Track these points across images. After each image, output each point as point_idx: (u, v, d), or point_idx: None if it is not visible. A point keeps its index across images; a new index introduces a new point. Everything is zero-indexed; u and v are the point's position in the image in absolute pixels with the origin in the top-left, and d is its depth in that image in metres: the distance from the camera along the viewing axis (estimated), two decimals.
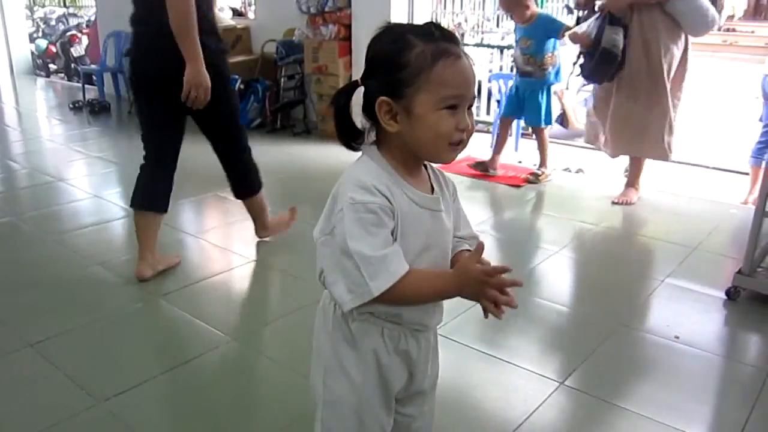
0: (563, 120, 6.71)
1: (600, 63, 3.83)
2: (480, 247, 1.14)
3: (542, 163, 4.70)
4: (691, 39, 3.90)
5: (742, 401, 2.19)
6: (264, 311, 2.88)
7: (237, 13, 7.73)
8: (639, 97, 3.90)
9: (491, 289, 1.09)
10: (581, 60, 4.02)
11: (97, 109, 7.03)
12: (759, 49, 12.33)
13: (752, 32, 15.47)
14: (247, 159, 3.27)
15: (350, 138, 1.18)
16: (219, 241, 3.60)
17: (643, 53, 3.80)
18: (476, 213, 4.01)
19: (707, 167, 5.13)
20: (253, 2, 7.29)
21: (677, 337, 2.53)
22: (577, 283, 3.18)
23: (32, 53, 10.53)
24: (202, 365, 2.35)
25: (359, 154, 1.19)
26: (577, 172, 4.94)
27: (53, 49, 10.51)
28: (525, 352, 2.45)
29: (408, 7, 5.61)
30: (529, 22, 4.38)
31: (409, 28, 1.12)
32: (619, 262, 3.29)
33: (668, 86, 3.86)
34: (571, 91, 6.65)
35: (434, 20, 6.35)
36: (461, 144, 1.13)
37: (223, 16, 7.27)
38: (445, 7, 6.89)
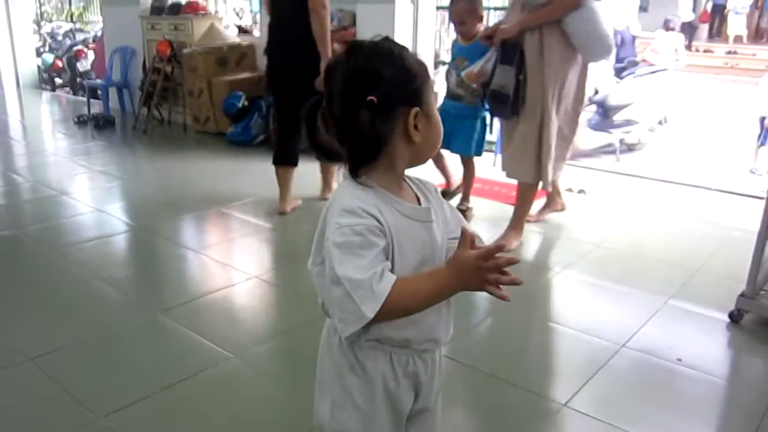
0: None
1: (493, 103, 3.57)
2: (467, 235, 1.10)
3: (465, 197, 4.24)
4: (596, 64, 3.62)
5: (744, 425, 2.17)
6: (264, 328, 2.87)
7: (242, 31, 7.79)
8: (525, 117, 3.47)
9: (491, 272, 1.06)
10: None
11: (101, 124, 7.06)
12: (760, 72, 12.38)
13: (754, 55, 15.55)
14: None
15: (329, 156, 1.19)
16: (220, 257, 3.60)
17: (537, 74, 3.37)
18: (477, 230, 4.00)
19: (709, 189, 5.13)
20: (258, 20, 7.34)
21: (680, 360, 2.52)
22: (578, 304, 3.16)
23: (38, 67, 10.61)
24: (202, 381, 2.34)
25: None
26: (579, 192, 4.94)
27: (59, 63, 10.59)
28: (527, 373, 2.44)
29: (412, 26, 5.65)
30: (471, 41, 3.92)
31: (389, 43, 1.15)
32: (621, 283, 3.28)
33: (552, 111, 3.40)
34: None
35: (438, 38, 6.41)
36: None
37: (229, 34, 7.33)
38: (449, 26, 6.92)
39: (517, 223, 3.71)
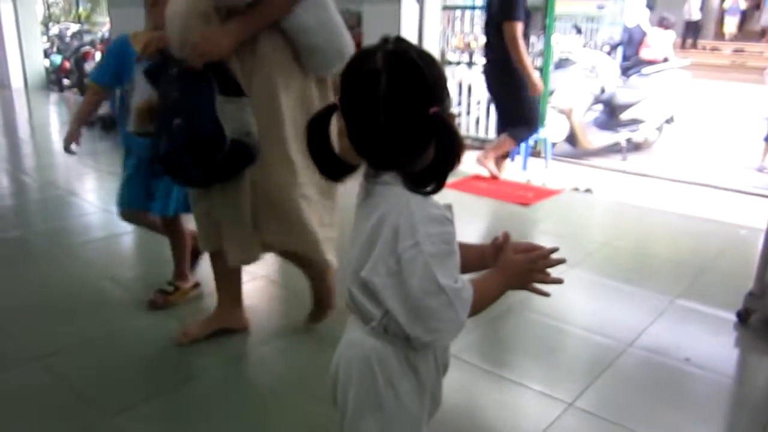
0: (572, 139, 6.72)
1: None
2: (506, 237, 1.20)
3: (180, 274, 3.02)
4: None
5: (752, 425, 2.16)
6: (271, 328, 2.86)
7: None
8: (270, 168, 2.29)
9: (538, 273, 1.16)
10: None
11: (108, 124, 7.08)
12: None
13: (761, 53, 15.49)
14: None
15: (336, 172, 1.15)
16: None
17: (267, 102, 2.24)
18: (485, 230, 4.01)
19: (716, 187, 5.12)
20: None
21: (687, 359, 2.51)
22: (586, 303, 3.16)
23: (46, 69, 10.67)
24: (208, 381, 2.35)
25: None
26: (585, 191, 4.94)
27: (67, 64, 10.64)
28: (534, 373, 2.44)
29: (418, 26, 5.66)
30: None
31: (417, 48, 1.12)
32: (628, 282, 3.27)
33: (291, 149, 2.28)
34: (580, 110, 6.68)
35: (445, 40, 6.41)
36: None
37: None
38: (454, 27, 6.92)
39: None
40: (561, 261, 1.15)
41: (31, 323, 2.77)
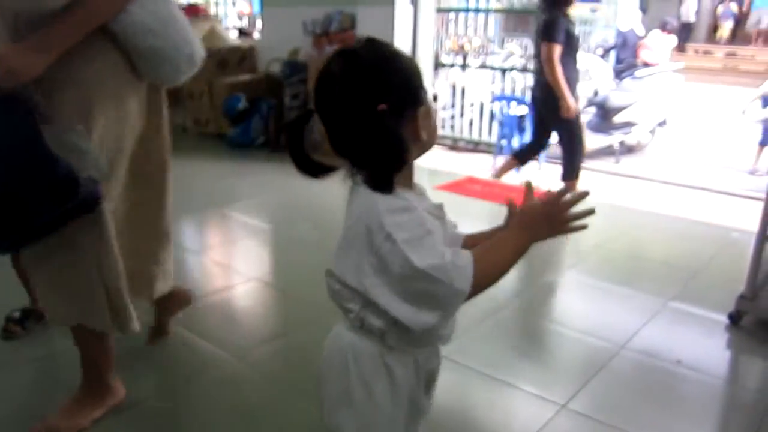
0: None
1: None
2: (529, 187, 1.17)
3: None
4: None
5: (744, 426, 2.17)
6: (264, 329, 2.86)
7: (243, 33, 7.81)
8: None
9: (562, 215, 1.12)
10: None
11: None
12: (758, 74, 12.41)
13: (752, 57, 15.58)
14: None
15: (314, 171, 1.17)
16: (220, 259, 3.60)
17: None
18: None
19: (709, 190, 5.14)
20: (259, 23, 7.36)
21: (679, 361, 2.52)
22: (579, 305, 3.17)
23: None
24: (202, 384, 2.34)
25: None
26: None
27: None
28: (527, 374, 2.44)
29: (412, 28, 5.67)
30: None
31: (382, 46, 1.14)
32: (621, 285, 3.28)
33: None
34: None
35: (439, 42, 6.43)
36: None
37: (229, 36, 7.34)
38: (447, 30, 6.94)
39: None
40: (584, 194, 1.14)
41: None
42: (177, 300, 2.52)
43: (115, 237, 1.90)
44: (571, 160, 4.72)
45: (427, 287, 1.06)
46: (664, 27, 9.56)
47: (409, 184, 1.17)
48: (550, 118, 4.62)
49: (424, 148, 1.17)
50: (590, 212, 1.12)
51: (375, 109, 1.06)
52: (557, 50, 4.32)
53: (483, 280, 1.08)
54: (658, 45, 9.37)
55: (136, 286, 2.10)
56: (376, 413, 1.18)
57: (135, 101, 1.93)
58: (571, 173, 4.75)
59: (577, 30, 4.49)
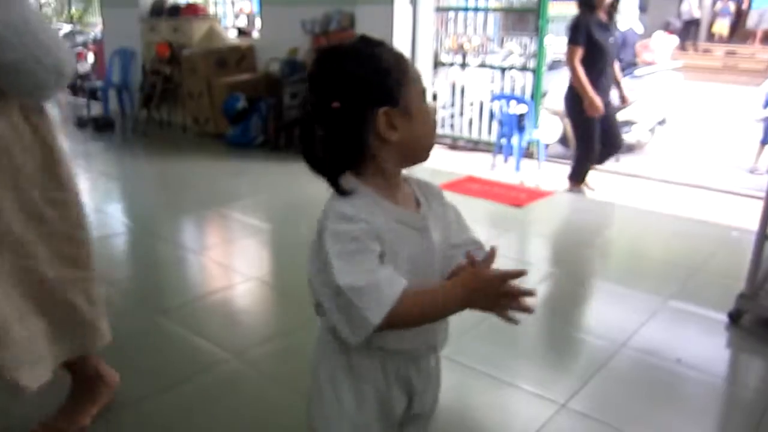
0: (565, 140, 6.74)
1: None
2: (492, 252, 1.06)
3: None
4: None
5: (743, 426, 2.17)
6: (264, 329, 2.86)
7: (242, 32, 7.80)
8: None
9: (505, 297, 1.02)
10: None
11: (101, 125, 7.06)
12: (758, 73, 12.41)
13: (752, 55, 15.57)
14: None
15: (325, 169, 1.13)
16: (220, 258, 3.60)
17: None
18: (478, 232, 4.00)
19: (708, 189, 5.14)
20: (258, 22, 7.35)
21: (679, 360, 2.52)
22: (578, 304, 3.17)
23: None
24: (202, 383, 2.34)
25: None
26: (578, 192, 4.94)
27: None
28: (527, 374, 2.44)
29: (411, 28, 5.66)
30: None
31: (359, 43, 1.12)
32: (621, 283, 3.28)
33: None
34: None
35: (438, 41, 6.42)
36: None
37: (228, 35, 7.33)
38: (447, 29, 6.93)
39: None
40: (530, 293, 1.03)
41: None
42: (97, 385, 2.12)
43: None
44: (580, 162, 4.73)
45: (344, 304, 1.03)
46: (666, 27, 9.55)
47: (388, 192, 1.13)
48: (569, 117, 4.65)
49: (408, 151, 1.12)
50: (527, 311, 1.03)
51: (329, 106, 1.07)
52: (578, 52, 4.40)
53: (400, 319, 1.03)
54: (660, 46, 9.36)
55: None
56: (341, 411, 1.19)
57: (2, 121, 1.68)
58: (576, 175, 4.76)
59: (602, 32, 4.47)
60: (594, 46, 4.40)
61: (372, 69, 1.07)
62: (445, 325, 1.25)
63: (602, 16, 4.48)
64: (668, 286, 3.19)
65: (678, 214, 4.39)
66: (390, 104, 1.07)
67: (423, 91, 1.14)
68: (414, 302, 1.04)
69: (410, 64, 1.13)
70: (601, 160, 4.83)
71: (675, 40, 9.81)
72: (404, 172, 1.19)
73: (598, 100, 4.40)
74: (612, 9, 4.53)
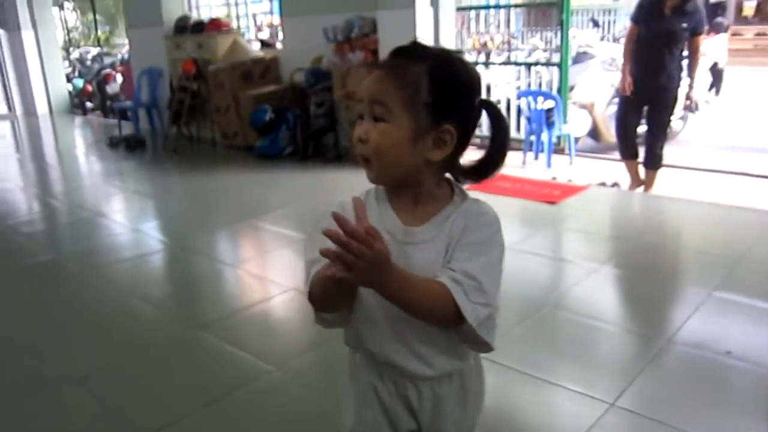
0: (595, 133, 6.65)
1: None
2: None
3: None
4: None
5: None
6: (303, 339, 2.86)
7: (265, 44, 7.86)
8: None
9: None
10: None
11: (133, 144, 7.18)
12: None
13: None
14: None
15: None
16: (256, 270, 3.62)
17: None
18: (512, 231, 3.96)
19: (746, 174, 5.02)
20: (280, 33, 7.40)
21: (729, 352, 2.45)
22: (620, 300, 3.11)
23: (69, 93, 10.85)
24: (244, 395, 2.35)
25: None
26: (612, 185, 4.87)
27: (89, 87, 10.82)
28: (571, 373, 2.40)
29: (433, 29, 5.64)
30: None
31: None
32: (663, 276, 3.21)
33: None
34: (601, 104, 6.61)
35: (459, 42, 6.40)
36: (362, 156, 1.08)
37: (252, 48, 7.40)
38: (469, 29, 6.90)
39: None
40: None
41: (66, 345, 2.79)
42: None
43: None
44: (651, 146, 4.72)
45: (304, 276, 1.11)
46: (713, 28, 9.21)
47: (394, 196, 1.11)
48: (671, 100, 4.69)
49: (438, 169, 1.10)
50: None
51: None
52: (631, 29, 4.64)
53: (312, 290, 1.09)
54: (710, 48, 9.10)
55: None
56: (351, 410, 1.22)
57: None
58: (652, 161, 4.70)
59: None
60: (646, 25, 4.53)
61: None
62: (412, 349, 1.11)
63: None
64: (711, 276, 3.11)
65: (717, 202, 4.29)
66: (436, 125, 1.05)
67: (363, 113, 1.09)
68: (317, 276, 1.05)
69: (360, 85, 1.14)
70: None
71: (724, 39, 9.54)
72: (470, 195, 1.15)
73: (626, 81, 4.57)
74: None
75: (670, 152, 5.06)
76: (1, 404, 2.36)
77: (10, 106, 10.56)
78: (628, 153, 4.84)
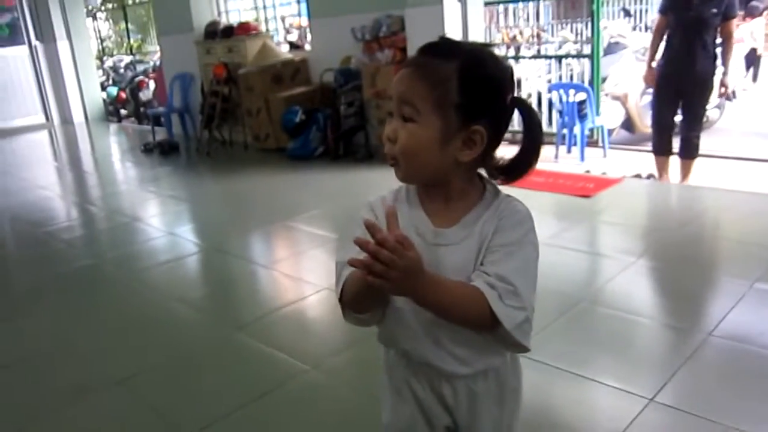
0: (629, 124, 6.55)
1: None
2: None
3: None
4: None
5: None
6: (339, 338, 2.88)
7: (294, 46, 7.91)
8: None
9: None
10: None
11: (167, 150, 7.29)
12: None
13: None
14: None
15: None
16: (290, 271, 3.65)
17: None
18: (547, 225, 3.93)
19: None
20: (309, 34, 7.45)
21: None
22: (659, 293, 3.06)
23: (104, 101, 11.08)
24: (282, 395, 2.37)
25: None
26: (648, 177, 4.79)
27: (123, 95, 11.02)
28: (609, 369, 2.37)
29: (462, 25, 5.61)
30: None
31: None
32: (702, 268, 3.15)
33: None
34: (635, 95, 6.51)
35: (488, 36, 6.35)
36: (389, 155, 1.06)
37: (281, 50, 7.45)
38: (498, 22, 6.85)
39: None
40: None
41: (108, 348, 2.85)
42: None
43: None
44: (687, 136, 4.70)
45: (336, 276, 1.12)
46: (749, 13, 9.03)
47: (429, 205, 1.10)
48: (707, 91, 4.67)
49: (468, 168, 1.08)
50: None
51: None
52: (659, 20, 4.64)
53: (346, 295, 1.09)
54: (746, 34, 8.89)
55: None
56: (387, 405, 1.23)
57: None
58: (688, 150, 4.67)
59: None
60: (674, 15, 4.52)
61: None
62: (442, 345, 1.11)
63: None
64: (753, 268, 3.04)
65: (755, 191, 4.19)
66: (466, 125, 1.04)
67: (393, 112, 1.08)
68: (351, 280, 1.06)
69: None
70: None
71: (761, 23, 9.30)
72: (502, 192, 1.13)
73: (648, 72, 4.59)
74: None
75: (707, 142, 4.96)
76: (47, 406, 2.42)
77: (48, 116, 10.82)
78: (662, 148, 4.76)
